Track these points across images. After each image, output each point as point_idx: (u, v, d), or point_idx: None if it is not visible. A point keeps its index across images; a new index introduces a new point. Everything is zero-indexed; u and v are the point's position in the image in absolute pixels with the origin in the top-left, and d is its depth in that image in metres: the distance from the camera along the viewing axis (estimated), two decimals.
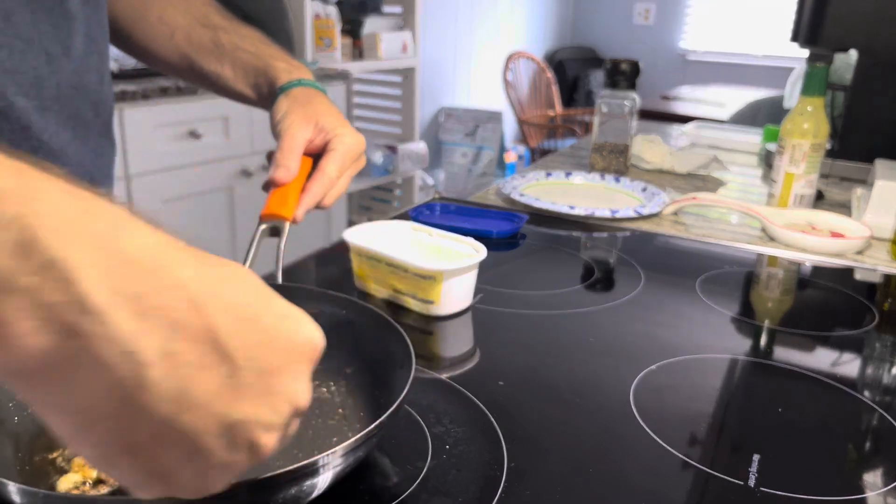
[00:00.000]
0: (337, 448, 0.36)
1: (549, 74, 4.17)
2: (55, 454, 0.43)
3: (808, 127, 0.96)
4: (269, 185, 0.57)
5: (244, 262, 0.51)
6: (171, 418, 0.23)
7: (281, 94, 0.64)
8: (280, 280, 0.54)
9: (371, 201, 2.93)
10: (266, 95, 0.67)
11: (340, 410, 0.49)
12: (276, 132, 0.61)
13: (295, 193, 0.57)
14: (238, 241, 1.93)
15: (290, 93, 0.64)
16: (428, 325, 0.65)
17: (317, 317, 0.29)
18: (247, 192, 1.92)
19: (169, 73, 0.72)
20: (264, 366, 0.25)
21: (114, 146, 0.66)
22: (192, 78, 0.70)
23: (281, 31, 2.16)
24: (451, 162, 3.72)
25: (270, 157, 0.60)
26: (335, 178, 0.59)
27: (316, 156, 0.61)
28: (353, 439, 0.36)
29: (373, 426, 0.37)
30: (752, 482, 0.45)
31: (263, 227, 0.55)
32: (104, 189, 0.63)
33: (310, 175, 0.59)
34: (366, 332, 0.50)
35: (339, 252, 0.81)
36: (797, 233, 0.89)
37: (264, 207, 0.56)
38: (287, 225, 0.55)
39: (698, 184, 1.19)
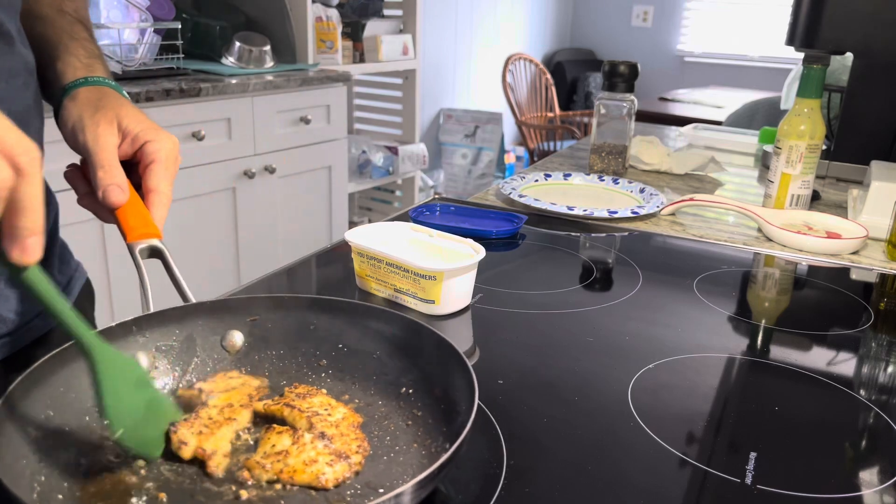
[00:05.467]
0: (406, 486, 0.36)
1: (548, 76, 4.17)
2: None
3: (805, 128, 0.97)
4: (87, 203, 0.54)
5: (142, 290, 0.51)
6: None
7: (66, 98, 0.57)
8: (190, 297, 0.52)
9: (372, 202, 2.94)
10: (50, 87, 0.60)
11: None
12: (77, 144, 0.55)
13: (140, 206, 0.54)
14: (240, 241, 1.94)
15: (75, 95, 0.57)
16: (428, 324, 0.65)
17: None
18: (249, 193, 1.93)
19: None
20: None
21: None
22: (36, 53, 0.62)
23: (281, 34, 2.17)
24: (451, 163, 3.72)
25: (72, 172, 0.55)
26: (170, 194, 0.55)
27: (125, 163, 0.55)
28: (420, 477, 0.36)
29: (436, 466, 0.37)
30: (748, 480, 0.45)
31: (140, 248, 0.52)
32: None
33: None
34: (426, 355, 0.50)
35: (341, 252, 0.81)
36: (794, 233, 0.89)
37: (126, 233, 0.53)
38: (162, 242, 0.53)
39: (696, 185, 1.20)
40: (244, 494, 0.41)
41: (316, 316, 0.53)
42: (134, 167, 0.56)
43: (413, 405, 0.49)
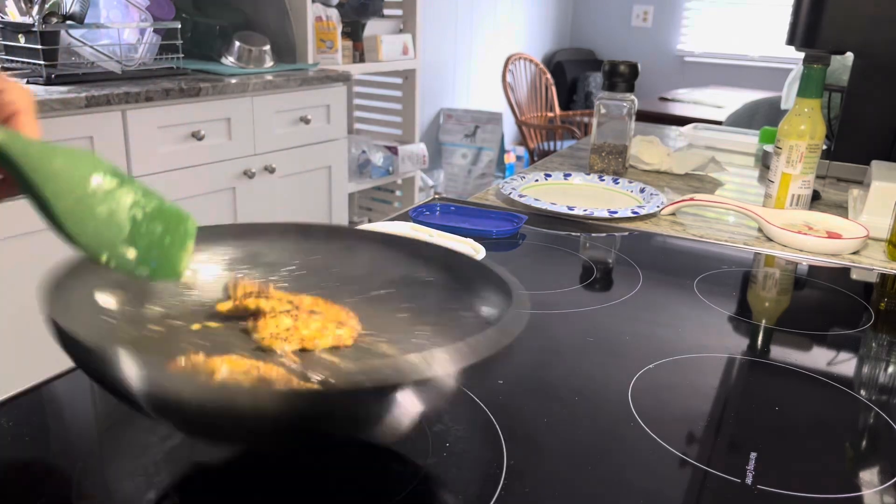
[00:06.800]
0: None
1: (549, 76, 4.17)
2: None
3: (805, 128, 0.97)
4: None
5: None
6: None
7: None
8: None
9: (372, 202, 2.94)
10: None
11: None
12: None
13: None
14: None
15: None
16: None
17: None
18: (249, 193, 1.93)
19: None
20: None
21: None
22: None
23: (281, 34, 2.17)
24: (451, 163, 3.72)
25: None
26: None
27: None
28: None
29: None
30: (749, 480, 0.45)
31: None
32: None
33: None
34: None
35: None
36: (794, 233, 0.89)
37: None
38: None
39: (696, 184, 1.20)
40: (294, 359, 0.44)
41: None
42: None
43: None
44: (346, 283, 0.54)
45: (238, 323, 0.49)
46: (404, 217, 0.90)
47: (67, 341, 0.33)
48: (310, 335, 0.46)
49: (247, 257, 0.54)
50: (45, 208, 0.32)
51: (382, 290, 0.53)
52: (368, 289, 0.54)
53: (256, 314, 0.49)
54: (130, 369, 0.31)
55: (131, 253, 0.35)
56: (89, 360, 0.34)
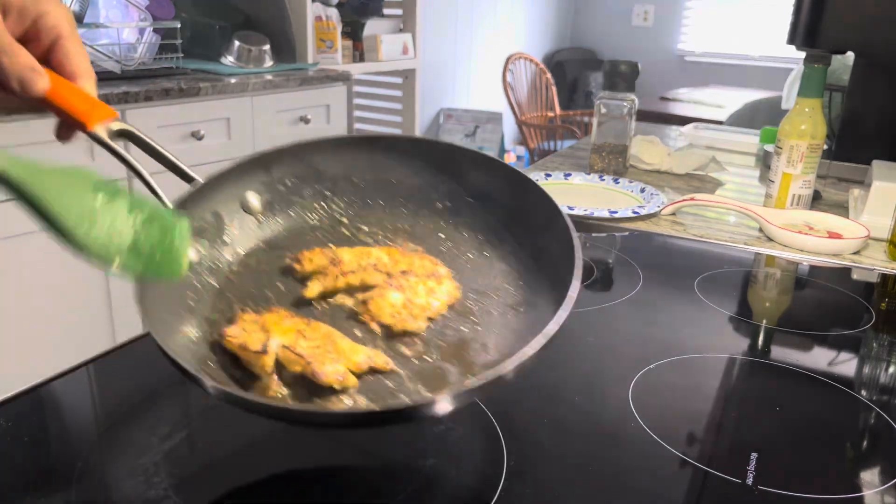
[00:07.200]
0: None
1: (549, 76, 4.17)
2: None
3: (806, 128, 0.97)
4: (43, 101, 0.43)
5: (142, 178, 0.44)
6: None
7: None
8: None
9: None
10: None
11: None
12: None
13: (72, 86, 0.44)
14: None
15: None
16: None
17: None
18: None
19: None
20: None
21: None
22: None
23: (280, 33, 2.17)
24: None
25: None
26: (94, 74, 0.46)
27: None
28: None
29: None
30: (749, 480, 0.45)
31: (112, 131, 0.44)
32: None
33: None
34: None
35: None
36: (795, 233, 0.89)
37: (83, 120, 0.43)
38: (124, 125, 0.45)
39: (696, 184, 1.20)
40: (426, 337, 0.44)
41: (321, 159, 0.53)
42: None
43: (457, 217, 0.52)
44: (407, 198, 0.54)
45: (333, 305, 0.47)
46: None
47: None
48: (424, 304, 0.45)
49: (310, 173, 0.53)
50: (54, 225, 0.34)
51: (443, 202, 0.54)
52: (430, 201, 0.53)
53: (351, 289, 0.47)
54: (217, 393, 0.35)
55: (137, 257, 0.37)
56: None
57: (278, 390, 0.40)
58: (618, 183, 1.12)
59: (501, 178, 0.52)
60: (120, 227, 0.36)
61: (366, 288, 0.47)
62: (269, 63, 2.05)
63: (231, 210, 0.50)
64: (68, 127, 0.44)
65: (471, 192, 0.53)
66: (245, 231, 0.50)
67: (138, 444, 0.45)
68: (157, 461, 0.43)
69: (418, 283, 0.47)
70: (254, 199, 0.51)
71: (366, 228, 0.53)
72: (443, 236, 0.52)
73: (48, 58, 0.44)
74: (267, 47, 2.04)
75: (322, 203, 0.53)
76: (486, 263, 0.51)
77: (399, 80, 2.70)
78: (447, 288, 0.47)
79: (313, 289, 0.47)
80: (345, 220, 0.53)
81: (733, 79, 4.15)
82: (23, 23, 0.43)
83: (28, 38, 0.43)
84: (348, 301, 0.47)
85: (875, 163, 1.05)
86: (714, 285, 0.77)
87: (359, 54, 2.47)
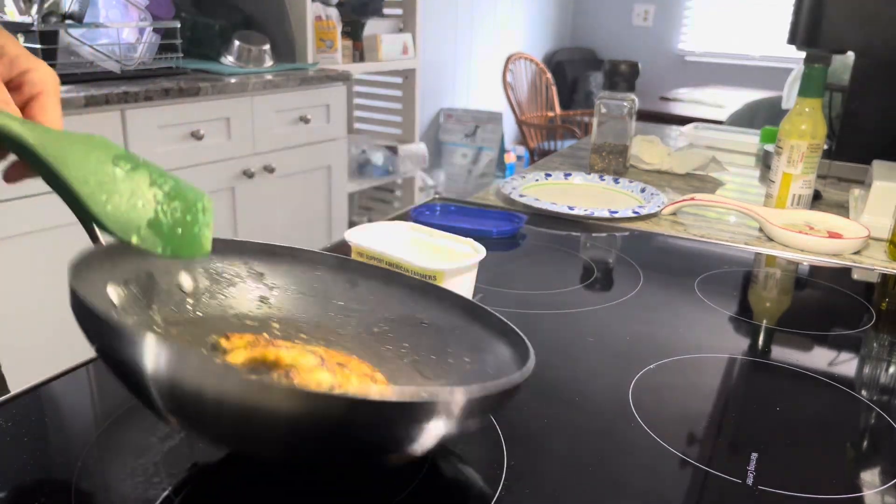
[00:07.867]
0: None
1: (549, 76, 4.17)
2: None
3: (806, 128, 0.97)
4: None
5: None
6: None
7: None
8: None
9: (372, 202, 2.93)
10: None
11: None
12: None
13: None
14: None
15: None
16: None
17: None
18: (248, 193, 1.92)
19: None
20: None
21: None
22: None
23: (280, 33, 2.17)
24: (451, 162, 3.72)
25: None
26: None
27: None
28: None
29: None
30: (750, 481, 0.45)
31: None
32: None
33: None
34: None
35: (341, 252, 0.81)
36: (795, 233, 0.89)
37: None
38: None
39: (697, 184, 1.20)
40: None
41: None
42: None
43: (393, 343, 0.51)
44: (347, 315, 0.53)
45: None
46: (405, 217, 0.89)
47: (91, 318, 0.32)
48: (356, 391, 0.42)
49: (250, 274, 0.52)
50: (69, 195, 0.32)
51: (381, 327, 0.53)
52: (369, 324, 0.53)
53: (276, 366, 0.43)
54: (153, 351, 0.31)
55: (157, 232, 0.35)
56: (110, 338, 0.32)
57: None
58: (618, 183, 1.12)
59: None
60: (140, 201, 0.34)
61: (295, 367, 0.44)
62: (268, 63, 2.05)
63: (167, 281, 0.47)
64: (21, 169, 0.43)
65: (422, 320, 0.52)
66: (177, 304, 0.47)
67: (138, 444, 0.45)
68: (157, 461, 0.43)
69: (352, 375, 0.44)
70: (187, 281, 0.48)
71: (304, 336, 0.51)
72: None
73: (25, 108, 0.45)
74: (267, 47, 2.04)
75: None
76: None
77: (399, 80, 2.70)
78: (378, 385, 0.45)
79: (237, 356, 0.42)
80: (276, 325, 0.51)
81: (733, 79, 4.15)
82: (10, 71, 0.45)
83: (12, 87, 0.45)
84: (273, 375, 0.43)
85: (875, 163, 1.05)
86: (714, 285, 0.77)
87: (359, 54, 2.47)
